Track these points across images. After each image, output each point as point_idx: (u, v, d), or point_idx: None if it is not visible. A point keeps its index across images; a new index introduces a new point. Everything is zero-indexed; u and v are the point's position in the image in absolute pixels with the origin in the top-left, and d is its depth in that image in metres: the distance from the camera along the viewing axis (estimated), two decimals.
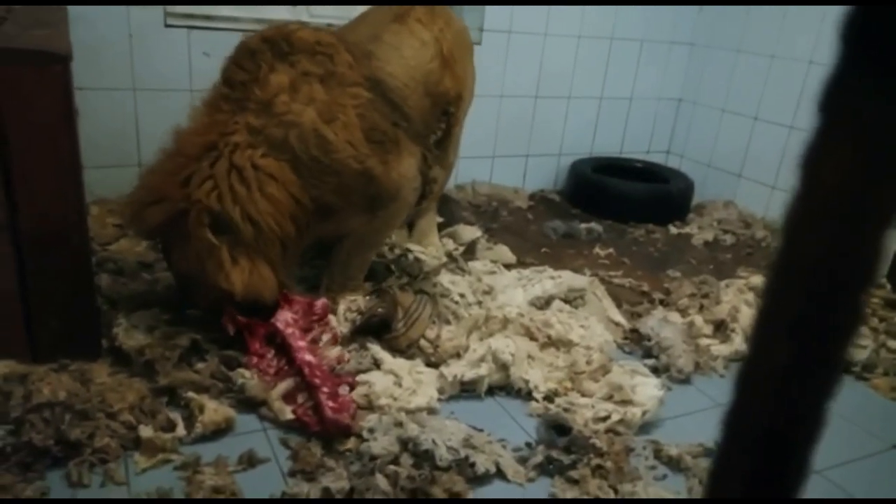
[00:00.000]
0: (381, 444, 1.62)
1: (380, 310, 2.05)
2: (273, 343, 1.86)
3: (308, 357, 1.79)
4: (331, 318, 1.98)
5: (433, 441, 1.60)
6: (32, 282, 1.72)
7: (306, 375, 1.74)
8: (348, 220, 2.06)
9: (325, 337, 1.91)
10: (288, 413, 1.69)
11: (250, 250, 1.83)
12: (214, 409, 1.66)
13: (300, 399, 1.73)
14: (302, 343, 1.82)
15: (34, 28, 1.88)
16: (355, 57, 1.96)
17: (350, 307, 2.06)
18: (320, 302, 1.96)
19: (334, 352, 1.90)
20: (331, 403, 1.67)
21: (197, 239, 1.77)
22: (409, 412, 1.74)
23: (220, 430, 1.66)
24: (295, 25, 1.99)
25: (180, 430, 1.62)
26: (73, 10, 2.44)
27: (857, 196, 0.31)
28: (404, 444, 1.62)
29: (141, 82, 2.73)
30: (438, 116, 2.30)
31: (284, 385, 1.75)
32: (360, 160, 1.91)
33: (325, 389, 1.71)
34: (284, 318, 1.87)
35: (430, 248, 2.55)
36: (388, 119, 2.00)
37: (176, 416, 1.65)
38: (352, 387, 1.79)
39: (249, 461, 1.58)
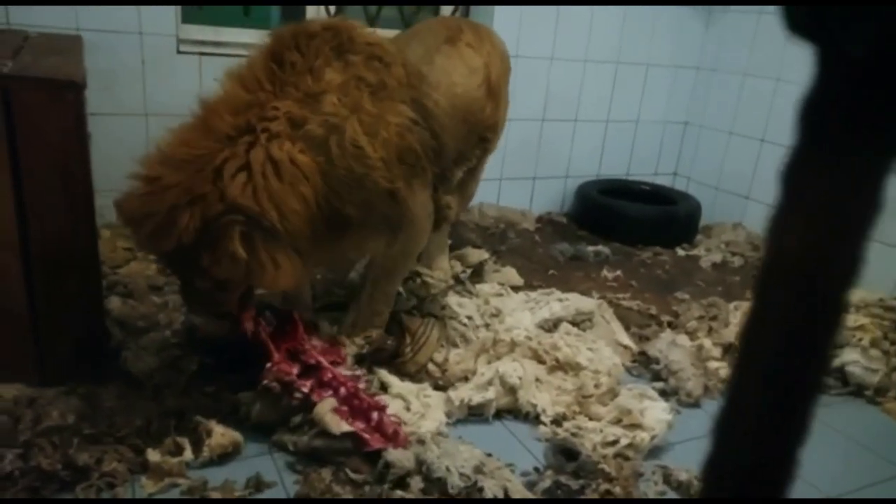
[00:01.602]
0: (397, 455, 1.61)
1: (389, 342, 2.05)
2: (297, 360, 1.80)
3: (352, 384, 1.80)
4: (354, 366, 1.96)
5: (447, 468, 1.59)
6: (42, 304, 1.73)
7: (364, 399, 1.76)
8: (364, 242, 1.97)
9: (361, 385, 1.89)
10: (345, 426, 1.67)
11: (281, 245, 1.67)
12: (222, 433, 1.65)
13: (349, 419, 1.73)
14: (338, 372, 1.82)
15: (49, 56, 1.92)
16: (408, 74, 1.91)
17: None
18: (344, 352, 1.94)
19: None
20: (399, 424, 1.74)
21: (225, 252, 1.59)
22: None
23: (228, 454, 1.65)
24: (358, 23, 1.89)
25: (188, 455, 1.62)
26: (89, 38, 2.49)
27: (817, 261, 0.34)
28: (419, 464, 1.62)
29: (153, 108, 2.77)
30: (475, 143, 2.27)
31: (330, 402, 1.72)
32: (390, 180, 1.83)
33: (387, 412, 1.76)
34: (312, 345, 1.86)
35: (437, 272, 2.55)
36: (424, 144, 1.94)
37: (183, 440, 1.65)
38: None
39: (256, 486, 1.58)
